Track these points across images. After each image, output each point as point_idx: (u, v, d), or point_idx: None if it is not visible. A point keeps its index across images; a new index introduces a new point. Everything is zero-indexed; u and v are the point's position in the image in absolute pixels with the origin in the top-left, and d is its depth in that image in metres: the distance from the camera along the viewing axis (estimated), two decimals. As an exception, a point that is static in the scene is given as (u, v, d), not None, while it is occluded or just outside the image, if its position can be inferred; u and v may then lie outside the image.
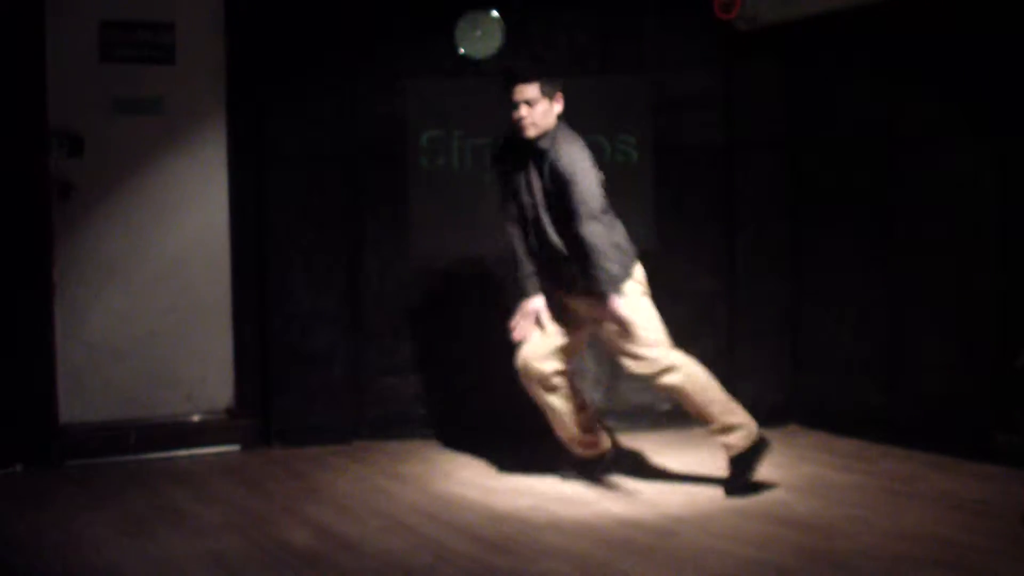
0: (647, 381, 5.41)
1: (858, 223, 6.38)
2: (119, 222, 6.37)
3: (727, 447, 5.38)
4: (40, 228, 6.13)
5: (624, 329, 5.23)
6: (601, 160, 6.63)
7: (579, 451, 5.65)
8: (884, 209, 6.25)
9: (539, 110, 5.25)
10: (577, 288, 5.35)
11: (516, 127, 5.28)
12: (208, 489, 5.70)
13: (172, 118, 6.44)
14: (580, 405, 5.59)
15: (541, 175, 5.32)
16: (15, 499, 5.59)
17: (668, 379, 5.33)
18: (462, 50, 6.53)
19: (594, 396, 6.72)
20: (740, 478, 5.35)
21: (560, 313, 5.49)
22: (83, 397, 6.27)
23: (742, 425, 5.36)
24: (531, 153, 5.33)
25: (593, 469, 5.65)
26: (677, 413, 6.53)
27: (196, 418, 6.49)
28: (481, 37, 6.54)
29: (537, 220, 5.36)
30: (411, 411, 6.63)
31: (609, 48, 6.67)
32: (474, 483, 5.70)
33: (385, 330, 6.60)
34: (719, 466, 5.52)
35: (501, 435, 6.57)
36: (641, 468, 5.89)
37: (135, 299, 6.40)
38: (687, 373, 5.34)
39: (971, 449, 5.74)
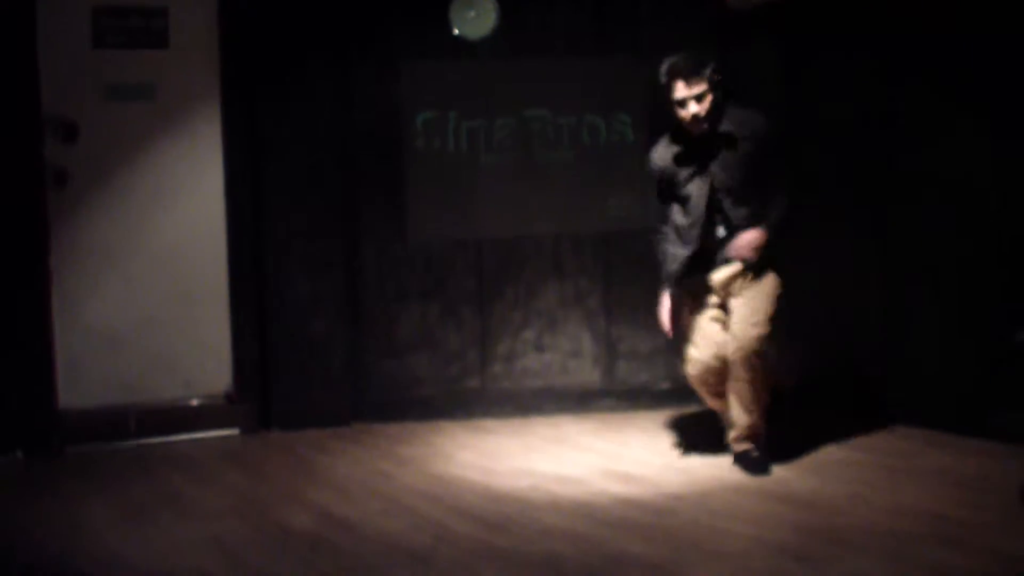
0: (744, 351, 5.29)
1: (856, 197, 6.38)
2: (115, 209, 6.36)
3: (744, 444, 5.45)
4: (36, 216, 6.12)
5: (743, 256, 5.24)
6: (597, 139, 6.69)
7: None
8: (883, 183, 6.24)
9: (707, 105, 5.20)
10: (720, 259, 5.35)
11: (686, 124, 5.23)
12: (208, 474, 5.71)
13: (166, 104, 6.43)
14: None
15: (723, 162, 5.27)
16: (15, 485, 5.61)
17: (755, 362, 5.30)
18: (457, 31, 6.51)
19: (592, 375, 6.75)
20: (759, 465, 5.41)
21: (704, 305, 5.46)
22: (82, 383, 6.28)
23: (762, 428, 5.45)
24: (706, 142, 5.27)
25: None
26: (675, 392, 6.58)
27: (195, 403, 6.49)
28: (476, 18, 6.53)
29: (711, 206, 5.31)
30: (410, 394, 6.64)
31: (604, 29, 6.66)
32: (474, 464, 5.71)
33: (382, 314, 6.61)
34: (718, 442, 5.54)
35: (499, 417, 6.60)
36: (640, 447, 5.91)
37: (132, 285, 6.39)
38: (770, 368, 5.39)
39: (969, 425, 5.75)
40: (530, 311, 6.70)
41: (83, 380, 6.28)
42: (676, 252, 5.44)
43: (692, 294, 5.49)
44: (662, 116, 6.68)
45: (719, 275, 5.41)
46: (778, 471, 5.37)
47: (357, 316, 6.58)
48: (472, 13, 6.52)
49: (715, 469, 5.44)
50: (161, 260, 6.43)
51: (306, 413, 6.50)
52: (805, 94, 6.60)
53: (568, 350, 6.74)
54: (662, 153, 5.45)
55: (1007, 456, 5.38)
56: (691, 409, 6.31)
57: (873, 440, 5.89)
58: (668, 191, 5.46)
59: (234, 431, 6.46)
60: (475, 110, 6.58)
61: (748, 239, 5.29)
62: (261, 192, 6.48)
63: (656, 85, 6.64)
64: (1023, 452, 5.35)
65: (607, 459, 5.72)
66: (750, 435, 5.45)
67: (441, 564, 4.29)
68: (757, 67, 6.69)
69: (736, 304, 5.41)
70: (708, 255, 5.40)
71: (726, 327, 5.42)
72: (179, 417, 6.42)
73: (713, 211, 5.34)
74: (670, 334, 5.57)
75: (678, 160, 5.38)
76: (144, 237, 6.41)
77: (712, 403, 5.61)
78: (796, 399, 6.29)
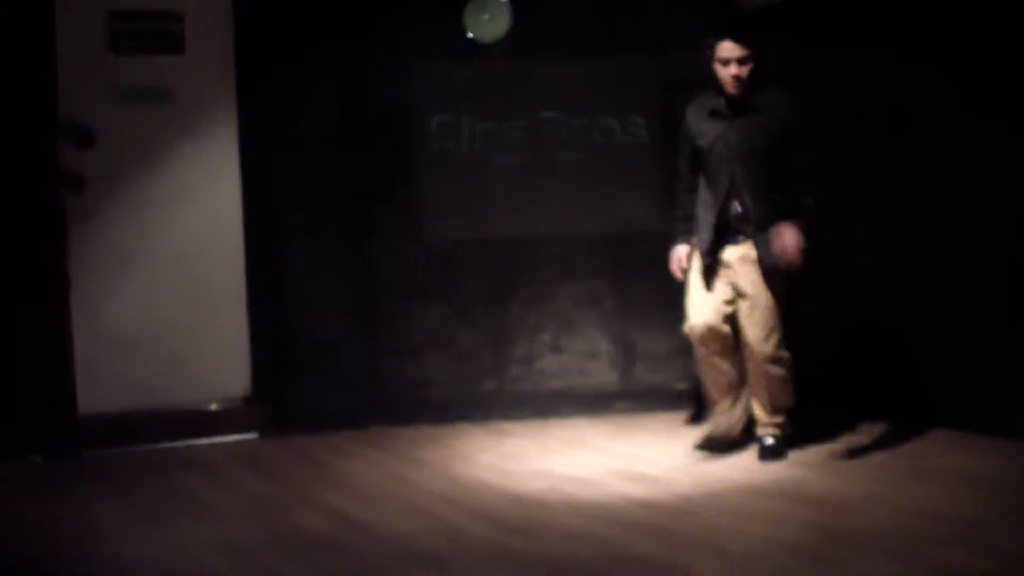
0: (761, 359, 5.42)
1: (861, 199, 6.35)
2: (132, 213, 6.39)
3: (768, 429, 5.56)
4: (53, 222, 6.15)
5: (791, 261, 5.27)
6: (611, 140, 6.68)
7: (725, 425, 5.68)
8: (889, 184, 6.22)
9: (748, 71, 5.29)
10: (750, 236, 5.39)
11: (726, 85, 5.32)
12: (224, 477, 5.72)
13: (182, 108, 6.45)
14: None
15: (750, 129, 5.34)
16: (34, 488, 5.63)
17: (775, 369, 5.44)
18: (470, 34, 6.52)
19: (609, 376, 6.74)
20: (775, 451, 5.53)
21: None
22: (100, 387, 6.29)
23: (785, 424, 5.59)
24: (740, 109, 5.35)
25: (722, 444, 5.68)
26: (692, 393, 6.57)
27: (212, 407, 6.51)
28: (489, 21, 6.53)
29: (736, 174, 5.36)
30: (426, 395, 6.64)
31: (616, 29, 6.66)
32: (491, 466, 5.70)
33: (398, 315, 6.61)
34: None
35: (516, 419, 6.60)
36: (656, 449, 5.90)
37: (150, 289, 6.42)
38: (789, 369, 5.48)
39: (985, 425, 5.72)
40: (545, 312, 6.70)
41: (101, 384, 6.30)
42: (706, 217, 5.47)
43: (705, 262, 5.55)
44: (675, 117, 6.71)
45: (730, 254, 5.44)
46: (795, 471, 5.35)
47: (373, 317, 6.59)
48: (486, 16, 6.53)
49: (731, 470, 5.42)
50: (178, 263, 6.46)
51: (323, 416, 6.51)
52: (810, 91, 6.57)
53: (585, 352, 6.73)
54: (695, 109, 5.52)
55: (1022, 455, 5.35)
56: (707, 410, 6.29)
57: (891, 440, 5.86)
58: (693, 153, 5.52)
59: (251, 435, 6.47)
60: (488, 111, 6.59)
61: (793, 243, 5.26)
62: (277, 194, 6.50)
63: (669, 86, 6.67)
64: (1044, 452, 5.33)
65: (624, 461, 5.70)
66: (771, 423, 5.56)
67: (456, 566, 4.28)
68: (767, 62, 6.67)
69: (745, 306, 5.44)
70: (723, 227, 5.43)
71: (728, 298, 5.47)
72: (196, 421, 6.44)
73: (732, 181, 5.37)
74: (681, 278, 5.60)
75: (709, 117, 5.44)
76: (161, 241, 6.44)
77: (708, 371, 5.63)
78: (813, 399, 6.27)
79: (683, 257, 5.62)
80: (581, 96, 6.65)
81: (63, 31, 6.16)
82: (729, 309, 5.49)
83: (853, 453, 5.64)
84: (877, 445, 5.77)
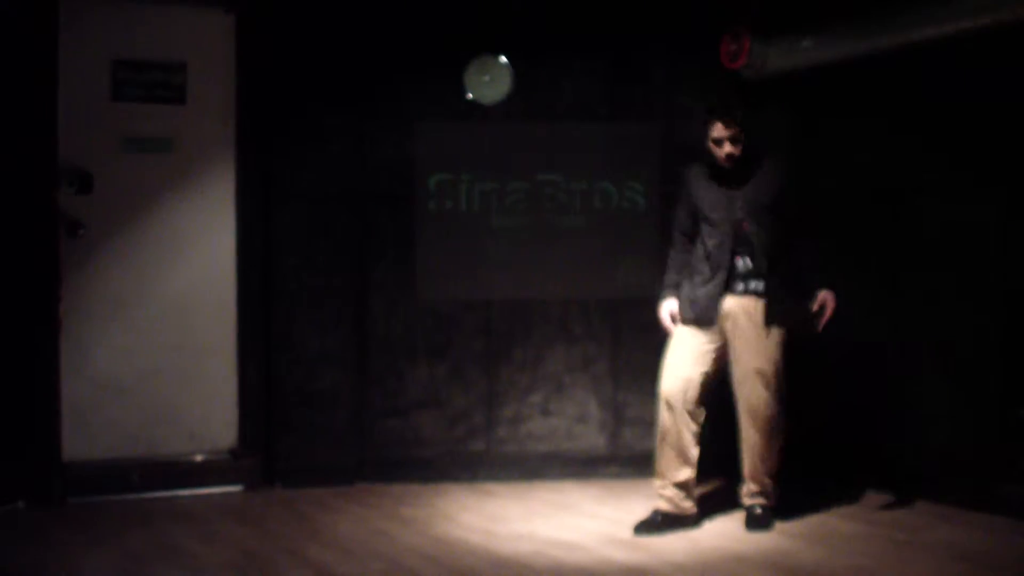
0: (755, 411, 5.52)
1: (861, 270, 6.38)
2: (126, 260, 6.38)
3: (756, 499, 5.58)
4: (48, 265, 6.13)
5: (816, 326, 5.50)
6: (608, 206, 6.71)
7: (675, 500, 5.62)
8: (888, 257, 6.26)
9: (741, 145, 5.52)
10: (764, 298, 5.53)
11: (720, 162, 5.56)
12: (210, 529, 5.68)
13: (181, 157, 6.47)
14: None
15: (753, 190, 5.56)
16: (17, 535, 5.57)
17: (767, 423, 5.53)
18: (471, 95, 6.56)
19: (598, 440, 6.72)
20: (762, 520, 5.55)
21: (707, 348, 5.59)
22: (87, 434, 6.26)
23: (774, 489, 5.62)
24: (741, 173, 5.56)
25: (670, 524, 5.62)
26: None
27: (199, 458, 6.47)
28: (490, 82, 6.58)
29: (734, 234, 5.53)
30: (414, 454, 6.61)
31: (617, 95, 6.71)
32: (476, 527, 5.68)
33: (390, 372, 6.60)
34: (723, 511, 5.51)
35: (503, 480, 6.57)
36: (645, 514, 5.87)
37: (140, 336, 6.40)
38: (780, 423, 5.58)
39: (975, 499, 5.72)
40: (537, 374, 6.69)
41: (88, 430, 6.27)
42: (695, 294, 5.59)
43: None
44: (674, 183, 6.75)
45: (730, 303, 5.52)
46: (783, 541, 5.34)
47: (364, 373, 6.57)
48: (487, 78, 6.57)
49: (719, 538, 5.40)
50: (170, 311, 6.44)
51: (310, 471, 6.48)
52: (813, 160, 6.63)
53: (574, 415, 6.72)
54: (696, 173, 5.70)
55: (1016, 531, 5.35)
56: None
57: (881, 512, 5.85)
58: (692, 216, 5.68)
59: (238, 487, 6.43)
60: (488, 172, 6.61)
61: (831, 307, 5.53)
62: (272, 247, 6.50)
63: (669, 153, 6.73)
64: (1031, 528, 5.32)
65: (611, 526, 5.68)
66: (760, 491, 5.57)
67: (441, 626, 4.26)
68: (768, 132, 6.73)
69: (741, 358, 5.50)
70: (724, 285, 5.54)
71: (707, 368, 5.54)
72: (183, 471, 6.39)
73: (737, 238, 5.53)
74: (670, 328, 5.70)
75: (710, 179, 5.63)
76: (154, 288, 6.43)
77: (671, 437, 5.59)
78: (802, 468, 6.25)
79: (675, 311, 5.70)
80: (580, 160, 6.68)
81: (67, 78, 6.18)
82: (709, 369, 5.54)
83: (844, 525, 5.63)
84: (868, 517, 5.76)
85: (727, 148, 5.51)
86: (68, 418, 6.20)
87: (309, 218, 6.51)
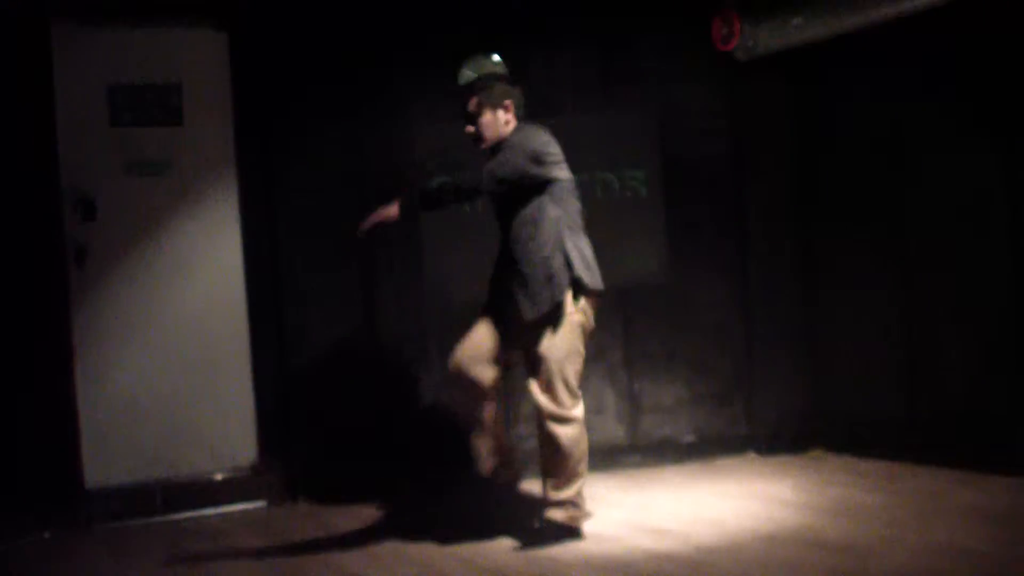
0: (541, 417, 5.17)
1: (873, 236, 6.40)
2: (135, 282, 6.39)
3: (552, 510, 5.24)
4: (57, 293, 6.16)
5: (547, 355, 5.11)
6: (610, 196, 6.72)
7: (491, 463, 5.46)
8: (898, 220, 6.27)
9: (483, 122, 5.27)
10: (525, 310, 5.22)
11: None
12: (238, 542, 5.68)
13: (182, 177, 6.48)
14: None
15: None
16: (45, 564, 5.58)
17: (560, 429, 5.14)
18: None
19: (617, 431, 6.73)
20: (542, 533, 5.26)
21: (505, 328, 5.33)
22: (108, 459, 6.27)
23: (578, 505, 5.25)
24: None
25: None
26: (700, 445, 6.58)
27: (220, 476, 6.47)
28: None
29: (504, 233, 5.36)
30: (435, 453, 6.59)
31: (611, 83, 6.72)
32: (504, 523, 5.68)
33: (405, 377, 6.59)
34: (746, 493, 5.53)
35: (526, 476, 6.58)
36: (669, 501, 5.89)
37: (154, 357, 6.41)
38: (581, 433, 5.19)
39: (996, 462, 5.74)
40: (552, 368, 6.69)
41: (109, 455, 6.28)
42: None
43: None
44: (674, 169, 6.78)
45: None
46: (810, 517, 5.35)
47: (379, 381, 6.56)
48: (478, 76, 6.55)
49: (746, 520, 5.42)
50: (182, 331, 6.45)
51: (332, 483, 6.47)
52: (814, 131, 6.65)
53: (591, 406, 6.71)
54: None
55: (1038, 492, 5.37)
56: (716, 461, 6.30)
57: (902, 482, 5.87)
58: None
59: (261, 503, 6.43)
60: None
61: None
62: (279, 261, 6.50)
63: (666, 139, 6.73)
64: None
65: (638, 514, 5.69)
66: (556, 501, 5.23)
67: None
68: (766, 107, 6.77)
69: (534, 357, 5.21)
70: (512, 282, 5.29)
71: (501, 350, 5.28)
72: (205, 491, 6.40)
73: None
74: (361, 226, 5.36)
75: None
76: (165, 309, 6.44)
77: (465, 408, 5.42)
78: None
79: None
80: (579, 152, 6.66)
81: (64, 106, 6.21)
82: None
83: (867, 497, 5.64)
84: (890, 487, 5.78)
85: (467, 128, 5.31)
86: (89, 444, 6.23)
87: (314, 229, 6.50)
